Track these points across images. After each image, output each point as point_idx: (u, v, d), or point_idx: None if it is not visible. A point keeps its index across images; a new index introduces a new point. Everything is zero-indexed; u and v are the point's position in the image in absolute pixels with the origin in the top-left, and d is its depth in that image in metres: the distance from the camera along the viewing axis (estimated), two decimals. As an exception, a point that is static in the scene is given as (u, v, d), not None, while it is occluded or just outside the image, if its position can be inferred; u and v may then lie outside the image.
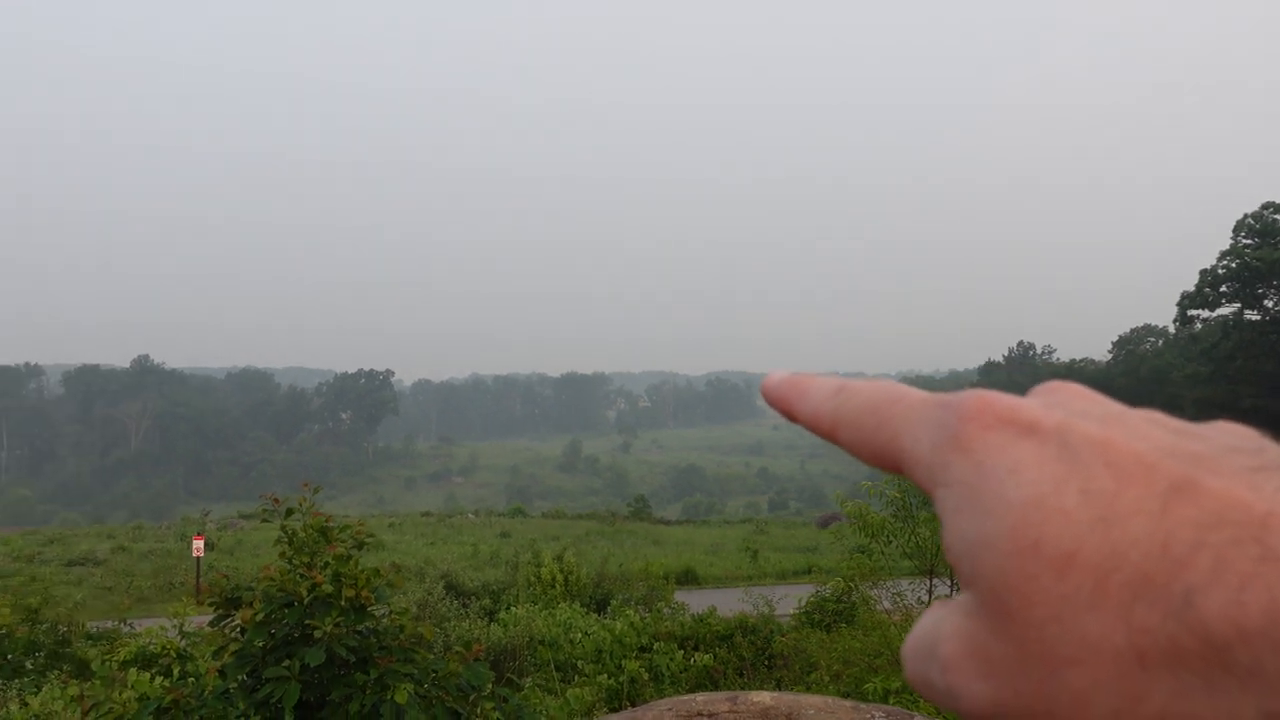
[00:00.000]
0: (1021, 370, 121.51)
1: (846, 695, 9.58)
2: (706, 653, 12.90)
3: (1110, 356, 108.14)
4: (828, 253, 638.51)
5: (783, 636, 13.48)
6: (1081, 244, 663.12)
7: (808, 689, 10.82)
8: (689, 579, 32.49)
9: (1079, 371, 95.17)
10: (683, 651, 12.76)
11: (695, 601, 19.01)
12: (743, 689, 8.81)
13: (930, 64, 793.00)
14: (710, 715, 5.18)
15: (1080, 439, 0.40)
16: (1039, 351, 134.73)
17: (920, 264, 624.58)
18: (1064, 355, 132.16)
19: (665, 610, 16.39)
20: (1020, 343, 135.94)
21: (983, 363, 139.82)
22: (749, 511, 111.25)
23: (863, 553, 14.67)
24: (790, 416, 0.52)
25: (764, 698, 5.00)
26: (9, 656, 11.34)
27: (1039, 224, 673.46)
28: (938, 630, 0.42)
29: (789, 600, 16.20)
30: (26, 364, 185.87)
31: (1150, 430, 0.41)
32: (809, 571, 31.19)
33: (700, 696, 5.26)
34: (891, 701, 8.83)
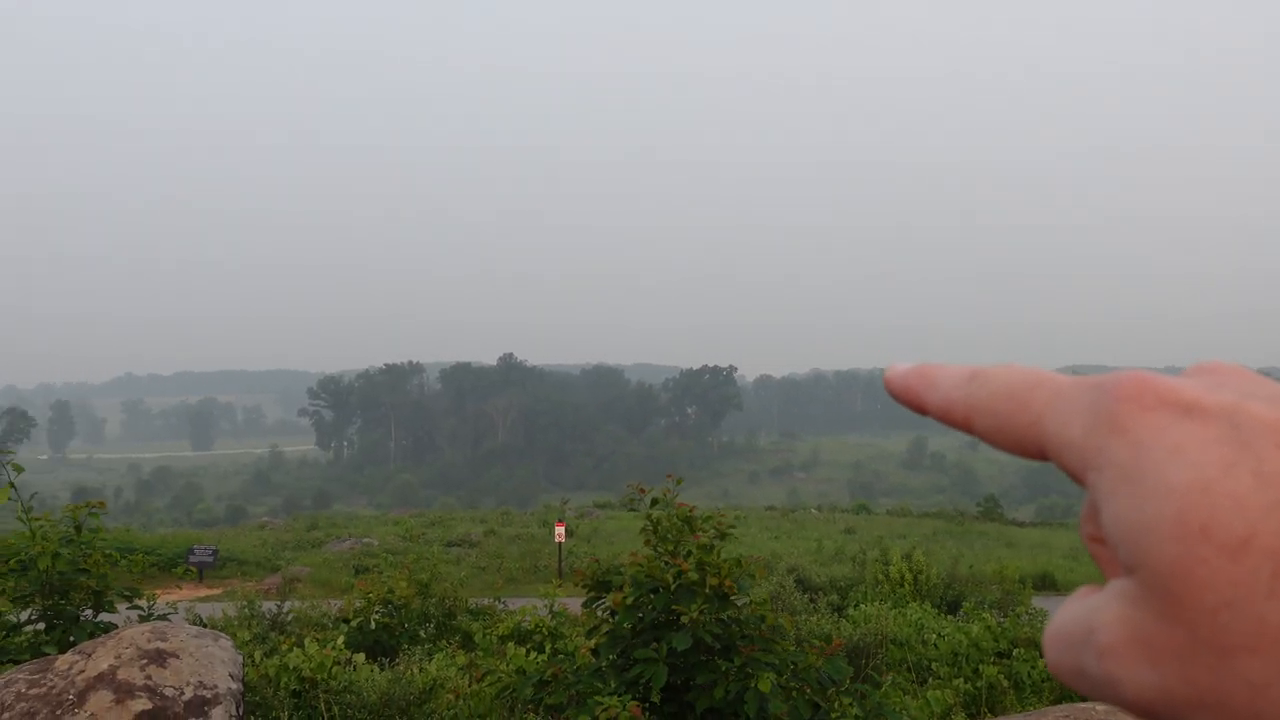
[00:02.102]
0: None
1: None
2: (1070, 663, 12.21)
3: None
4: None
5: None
6: None
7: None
8: (1046, 584, 30.81)
9: None
10: (1044, 660, 12.15)
11: (1054, 608, 18.03)
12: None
13: None
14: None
15: (1251, 420, 0.39)
16: None
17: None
18: None
19: (1023, 615, 15.64)
20: None
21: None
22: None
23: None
24: (919, 408, 0.51)
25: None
26: (406, 626, 12.58)
27: None
28: (1093, 617, 0.40)
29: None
30: (410, 362, 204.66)
31: None
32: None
33: (1101, 707, 4.99)
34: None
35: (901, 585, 20.02)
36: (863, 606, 16.03)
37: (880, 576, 20.75)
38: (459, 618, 14.01)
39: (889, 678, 11.28)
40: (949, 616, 16.71)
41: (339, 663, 7.98)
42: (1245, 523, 0.36)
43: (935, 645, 13.03)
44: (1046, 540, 47.49)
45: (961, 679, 11.22)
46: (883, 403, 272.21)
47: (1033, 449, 0.45)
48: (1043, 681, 11.52)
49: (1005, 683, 11.11)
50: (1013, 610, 16.82)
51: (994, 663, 11.93)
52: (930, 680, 11.63)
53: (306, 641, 8.48)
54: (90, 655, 5.49)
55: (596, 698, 5.76)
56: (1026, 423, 0.45)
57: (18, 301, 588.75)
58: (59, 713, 5.05)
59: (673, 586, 6.26)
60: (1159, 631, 0.37)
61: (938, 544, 39.41)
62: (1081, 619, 0.41)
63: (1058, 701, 11.24)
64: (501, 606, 16.14)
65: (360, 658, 8.71)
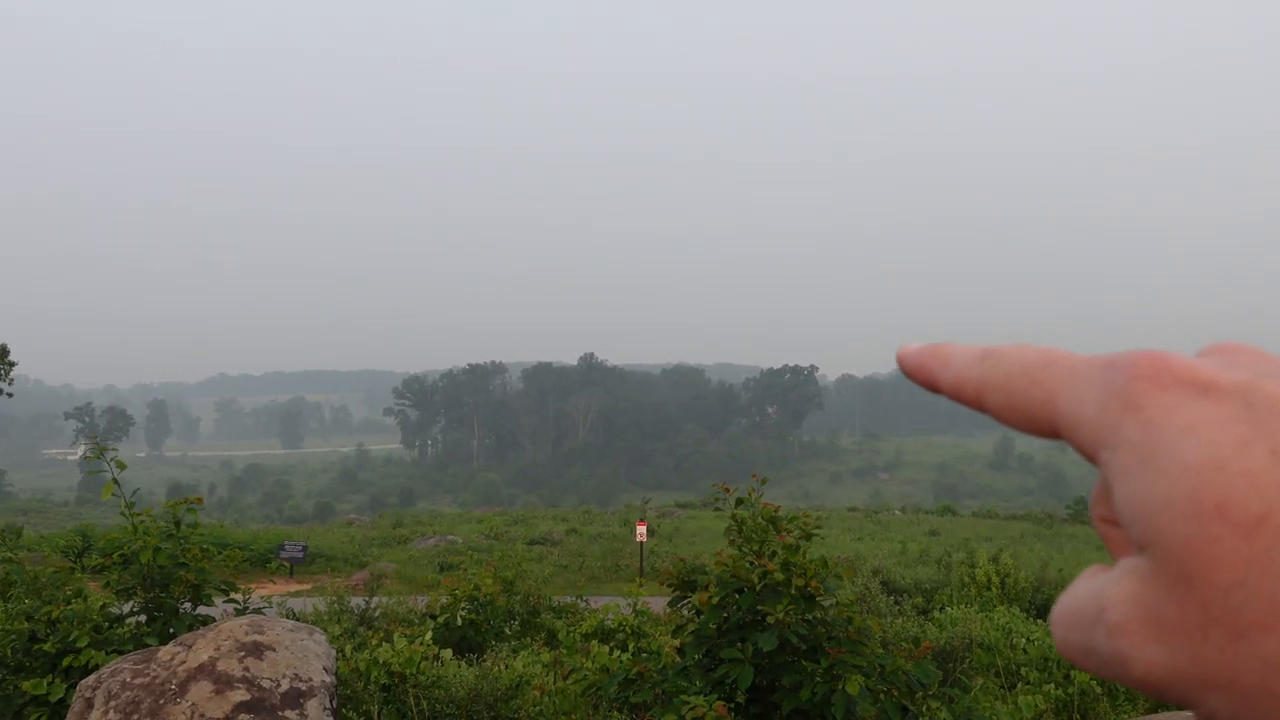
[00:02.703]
0: None
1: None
2: (1166, 670, 11.89)
3: None
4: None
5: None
6: None
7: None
8: (1139, 589, 30.05)
9: None
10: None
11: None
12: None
13: None
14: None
15: (1266, 399, 0.39)
16: None
17: None
18: None
19: (1117, 621, 15.26)
20: None
21: None
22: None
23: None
24: (932, 386, 0.50)
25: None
26: (491, 623, 12.72)
27: None
28: (1103, 594, 0.40)
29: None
30: (493, 362, 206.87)
31: None
32: None
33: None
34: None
35: (988, 588, 19.67)
36: (949, 610, 15.80)
37: (966, 579, 20.41)
38: (543, 615, 14.12)
39: (979, 682, 11.10)
40: (1038, 621, 16.39)
41: (427, 658, 8.10)
42: (1261, 501, 0.36)
43: (1024, 650, 12.79)
44: (1139, 544, 46.28)
45: (1052, 684, 10.99)
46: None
47: (1045, 427, 0.45)
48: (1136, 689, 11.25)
49: (1099, 689, 10.86)
50: (1105, 615, 16.43)
51: (1086, 669, 11.68)
52: (1019, 685, 11.41)
53: (395, 636, 8.63)
54: (191, 647, 5.65)
55: (682, 697, 5.77)
56: (1040, 400, 0.44)
57: (116, 305, 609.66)
58: (162, 702, 5.21)
59: (758, 587, 6.24)
60: (1170, 609, 0.37)
61: (1025, 547, 38.66)
62: (1091, 596, 0.41)
63: (1153, 710, 10.96)
64: (584, 605, 16.22)
65: (447, 653, 8.83)
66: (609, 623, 11.32)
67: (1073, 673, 11.29)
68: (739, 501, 6.96)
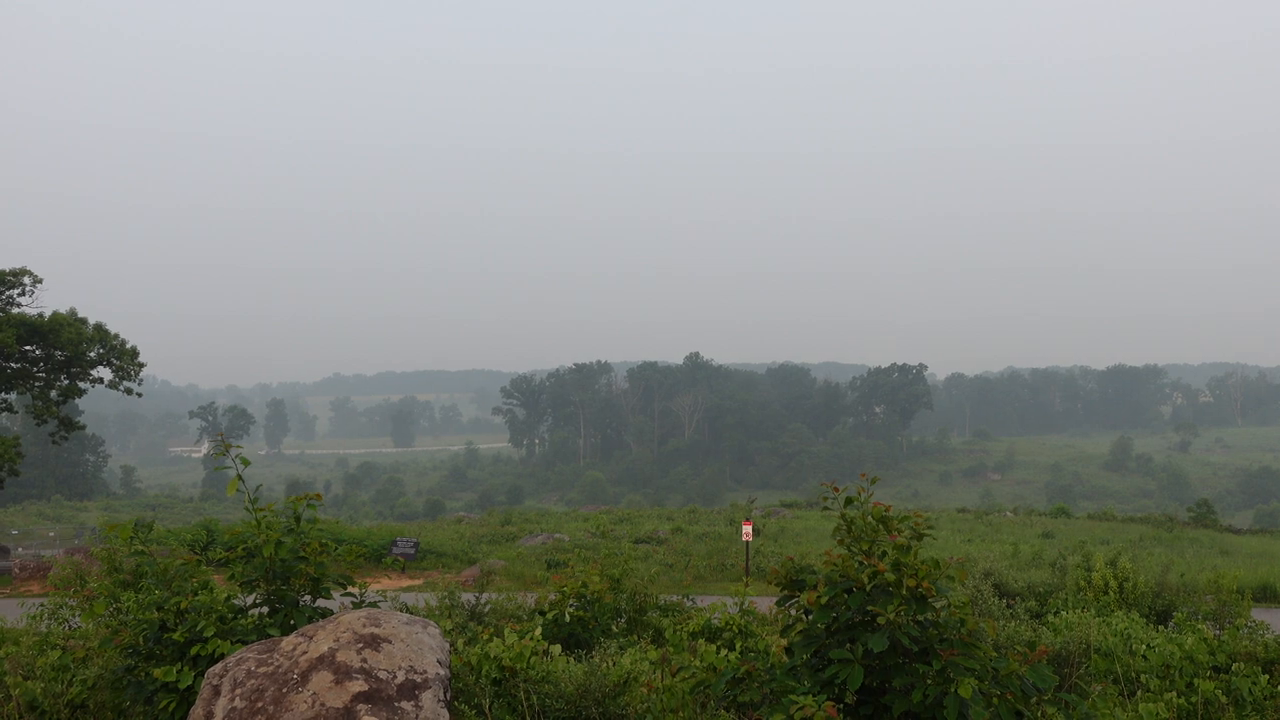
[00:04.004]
0: None
1: None
2: (1297, 680, 11.38)
3: None
4: None
5: (1398, 670, 11.54)
6: None
7: None
8: (1268, 595, 28.91)
9: None
10: (1268, 676, 11.37)
11: (1277, 621, 16.88)
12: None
13: None
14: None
15: None
16: None
17: None
18: None
19: (1243, 628, 14.68)
20: None
21: None
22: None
23: None
24: None
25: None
26: (599, 620, 12.82)
27: None
28: None
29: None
30: (598, 362, 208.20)
31: None
32: None
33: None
34: None
35: (1105, 593, 19.11)
36: (1064, 614, 15.39)
37: (1082, 583, 19.86)
38: (649, 613, 14.16)
39: (1097, 688, 10.79)
40: (1158, 627, 15.87)
41: (536, 653, 8.21)
42: None
43: (1144, 657, 12.38)
44: (1267, 549, 44.46)
45: (1174, 693, 10.62)
46: (1083, 402, 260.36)
47: None
48: (1265, 699, 10.81)
49: (1224, 699, 10.47)
50: (1230, 622, 15.83)
51: (1210, 677, 11.26)
52: (1140, 694, 11.06)
53: (505, 631, 8.77)
54: (312, 638, 5.84)
55: (791, 696, 5.74)
56: None
57: (237, 308, 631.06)
58: (285, 690, 5.39)
59: (868, 587, 6.18)
60: None
61: (1145, 550, 37.49)
62: None
63: (1283, 721, 10.51)
64: (690, 604, 16.24)
65: (556, 649, 8.94)
66: (716, 621, 11.31)
67: (1195, 681, 10.91)
68: (848, 501, 6.90)
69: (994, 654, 6.08)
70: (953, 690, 5.60)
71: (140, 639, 7.59)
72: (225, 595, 7.75)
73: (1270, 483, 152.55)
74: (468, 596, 16.38)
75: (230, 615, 7.52)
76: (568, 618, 12.37)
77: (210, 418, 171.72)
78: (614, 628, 13.12)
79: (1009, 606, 18.37)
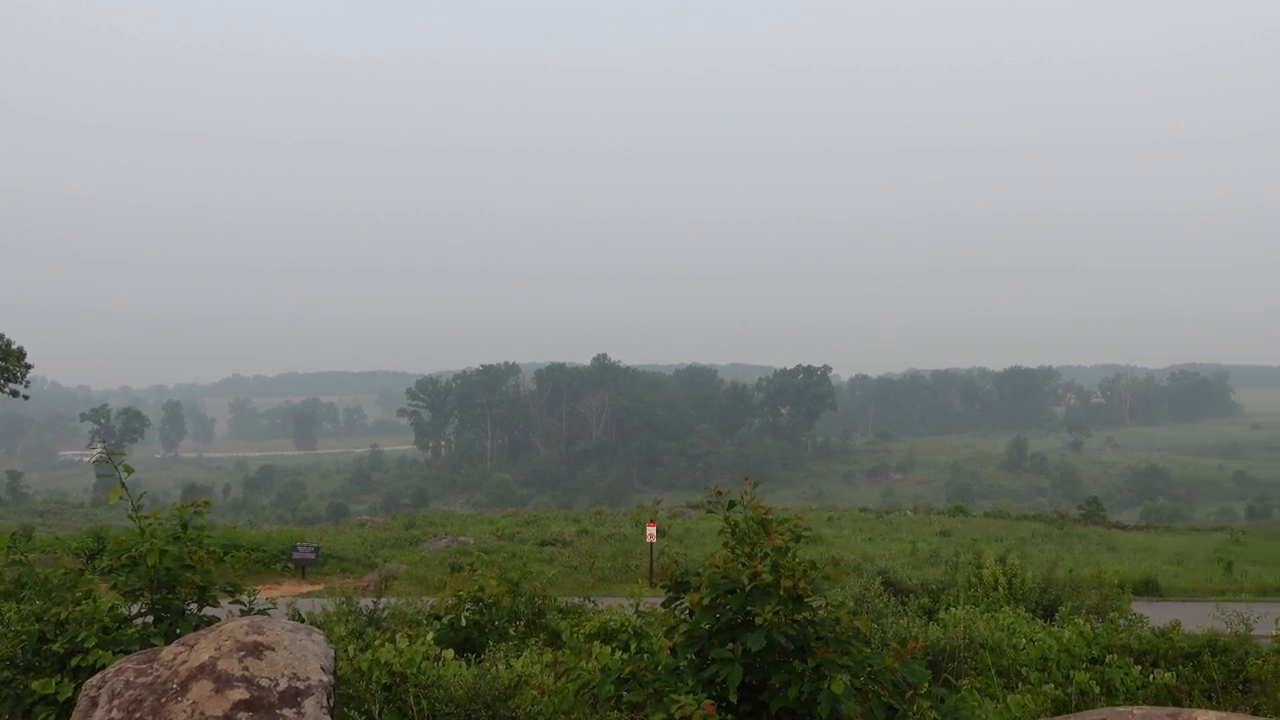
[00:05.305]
0: None
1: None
2: (1168, 670, 11.92)
3: None
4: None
5: (1260, 660, 12.15)
6: None
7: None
8: (1149, 589, 30.08)
9: None
10: (1139, 667, 11.88)
11: (1156, 614, 17.59)
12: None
13: None
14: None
15: None
16: None
17: None
18: None
19: (1121, 621, 15.29)
20: None
21: None
22: (1222, 519, 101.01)
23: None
24: None
25: (1210, 717, 4.63)
26: (495, 623, 12.85)
27: None
28: None
29: (1270, 620, 14.54)
30: (506, 363, 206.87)
31: None
32: (1297, 589, 27.69)
33: (1139, 710, 4.97)
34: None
35: (995, 589, 19.72)
36: (954, 610, 15.86)
37: (973, 580, 20.46)
38: (548, 616, 14.24)
39: (966, 682, 11.17)
40: (1044, 622, 16.44)
41: (428, 658, 8.24)
42: None
43: (1025, 650, 12.85)
44: (1151, 544, 46.24)
45: (1051, 685, 11.05)
46: (982, 403, 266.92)
47: None
48: (1137, 689, 11.30)
49: (1097, 689, 10.92)
50: (1110, 616, 16.48)
51: (1086, 669, 11.72)
52: (1019, 685, 11.48)
53: (398, 637, 8.78)
54: (193, 647, 5.80)
55: (672, 696, 5.89)
56: None
57: (133, 307, 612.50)
58: (163, 700, 5.36)
59: (748, 588, 6.36)
60: None
61: (1036, 547, 38.68)
62: None
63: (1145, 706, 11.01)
64: (591, 605, 16.34)
65: (449, 653, 8.97)
66: (612, 623, 11.43)
67: (1072, 673, 11.36)
68: (732, 504, 7.08)
69: (868, 651, 6.30)
70: (826, 686, 5.80)
71: (19, 651, 7.42)
72: (109, 605, 7.62)
73: (1156, 481, 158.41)
74: (366, 601, 16.25)
75: (114, 625, 7.40)
76: (463, 621, 12.38)
77: (103, 420, 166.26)
78: (511, 631, 13.17)
79: (903, 604, 18.83)
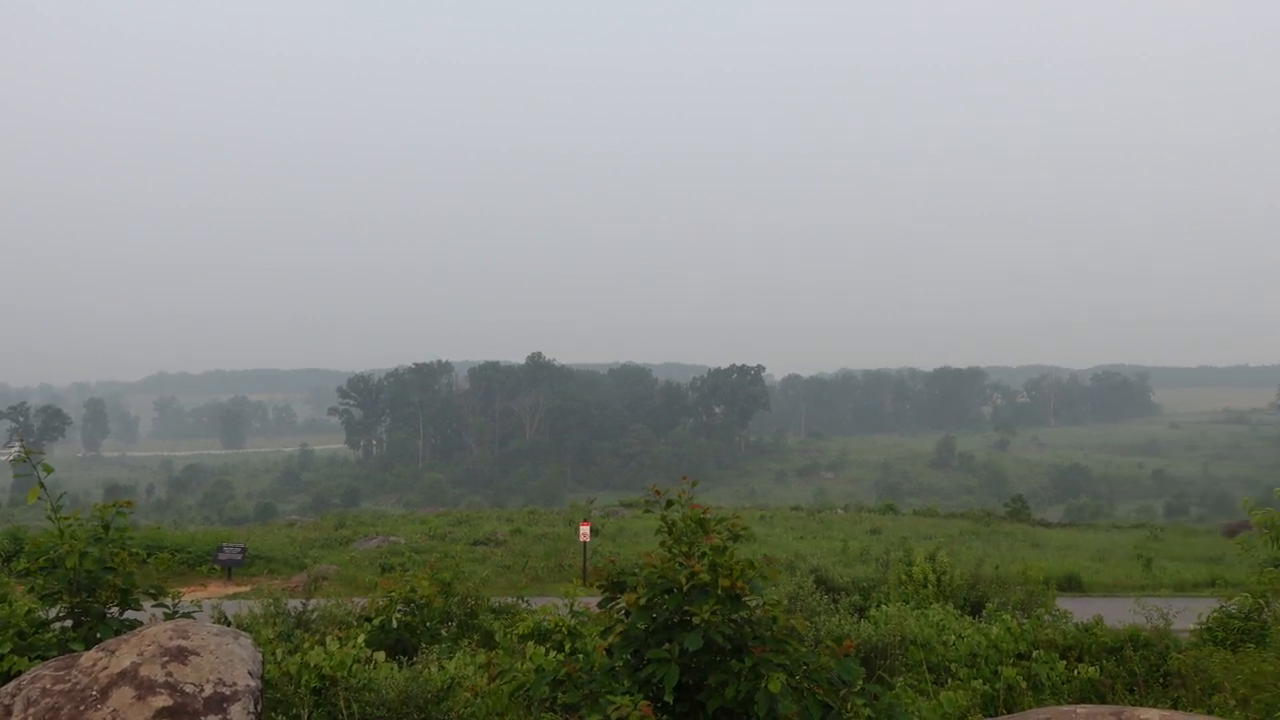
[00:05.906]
0: None
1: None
2: (1092, 665, 12.15)
3: None
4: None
5: (1180, 653, 12.44)
6: None
7: (1209, 712, 9.95)
8: (1072, 585, 30.70)
9: None
10: (1064, 662, 12.10)
11: (1079, 609, 17.93)
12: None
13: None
14: (1094, 730, 4.94)
15: None
16: None
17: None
18: None
19: (1046, 617, 15.57)
20: None
21: None
22: (1141, 516, 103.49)
23: (1277, 567, 13.26)
24: None
25: (1152, 715, 4.70)
26: (427, 624, 12.70)
27: None
28: None
29: (1188, 614, 14.90)
30: (438, 361, 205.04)
31: None
32: (1212, 584, 28.44)
33: (1082, 709, 5.02)
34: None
35: (924, 586, 19.96)
36: (884, 607, 16.02)
37: (903, 577, 20.69)
38: (481, 617, 14.10)
39: (900, 679, 11.28)
40: (972, 618, 16.66)
41: (359, 660, 8.10)
42: None
43: (955, 646, 13.01)
44: (1074, 541, 47.17)
45: (980, 680, 11.20)
46: (912, 402, 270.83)
47: None
48: (1062, 683, 11.50)
49: (1024, 684, 11.09)
50: (1035, 612, 16.76)
51: (1013, 664, 11.91)
52: (948, 681, 11.61)
53: (328, 639, 8.61)
54: (114, 652, 5.62)
55: (608, 697, 5.84)
56: None
57: (52, 302, 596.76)
58: (82, 708, 5.18)
59: (685, 587, 6.32)
60: None
61: (964, 544, 39.23)
62: None
63: (1079, 703, 11.20)
64: (524, 605, 16.23)
65: (380, 656, 8.82)
66: (546, 624, 11.36)
67: (1000, 668, 11.52)
68: (669, 503, 7.04)
69: (805, 649, 6.31)
70: (763, 685, 5.79)
71: (-72, 657, 7.14)
72: (26, 609, 7.36)
73: (1080, 479, 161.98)
74: (295, 603, 15.95)
75: (30, 630, 7.14)
76: (395, 623, 12.22)
77: (21, 418, 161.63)
78: (444, 632, 13.02)
79: (834, 602, 18.98)
